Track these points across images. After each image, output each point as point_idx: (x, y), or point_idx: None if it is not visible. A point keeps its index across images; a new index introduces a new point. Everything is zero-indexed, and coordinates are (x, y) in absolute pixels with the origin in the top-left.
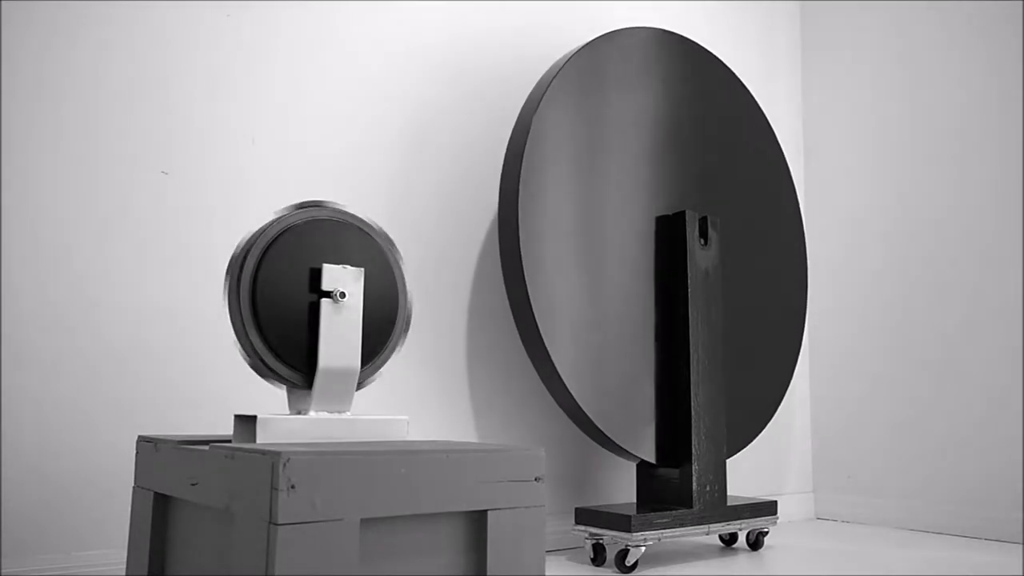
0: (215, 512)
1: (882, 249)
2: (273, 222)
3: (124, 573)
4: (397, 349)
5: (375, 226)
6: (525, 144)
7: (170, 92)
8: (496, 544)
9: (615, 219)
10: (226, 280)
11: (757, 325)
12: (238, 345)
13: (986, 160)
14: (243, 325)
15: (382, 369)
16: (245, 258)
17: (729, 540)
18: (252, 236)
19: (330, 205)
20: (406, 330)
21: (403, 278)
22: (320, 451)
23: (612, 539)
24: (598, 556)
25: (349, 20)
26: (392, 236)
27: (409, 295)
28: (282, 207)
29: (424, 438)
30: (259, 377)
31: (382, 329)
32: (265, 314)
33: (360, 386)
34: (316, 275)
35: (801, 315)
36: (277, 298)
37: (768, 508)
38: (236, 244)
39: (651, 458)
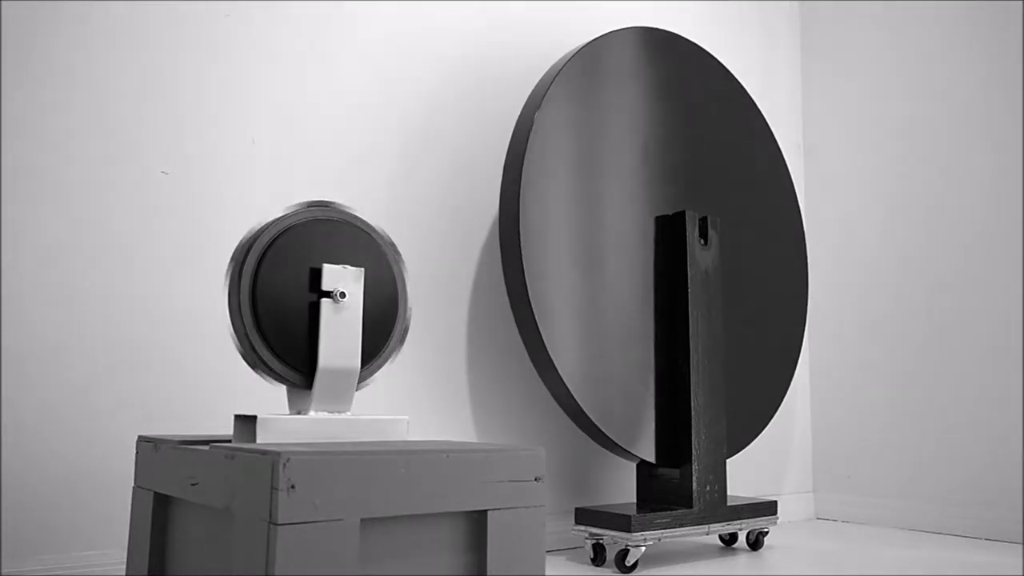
0: (215, 512)
1: (882, 248)
2: (273, 222)
3: (124, 573)
4: (397, 349)
5: (375, 226)
6: (526, 144)
7: (170, 92)
8: (496, 544)
9: (615, 219)
10: (226, 280)
11: (757, 325)
12: (238, 345)
13: (986, 159)
14: (243, 325)
15: (382, 369)
16: (245, 258)
17: (729, 540)
18: (252, 236)
19: (331, 205)
20: (406, 330)
21: (403, 278)
22: (320, 451)
23: (612, 539)
24: (598, 556)
25: (349, 21)
26: (392, 236)
27: (409, 295)
28: (283, 207)
29: (424, 438)
30: (259, 377)
31: (382, 329)
32: (265, 314)
33: (360, 386)
34: (316, 275)
35: (801, 315)
36: (277, 298)
37: (768, 508)
38: (236, 244)
39: (651, 458)
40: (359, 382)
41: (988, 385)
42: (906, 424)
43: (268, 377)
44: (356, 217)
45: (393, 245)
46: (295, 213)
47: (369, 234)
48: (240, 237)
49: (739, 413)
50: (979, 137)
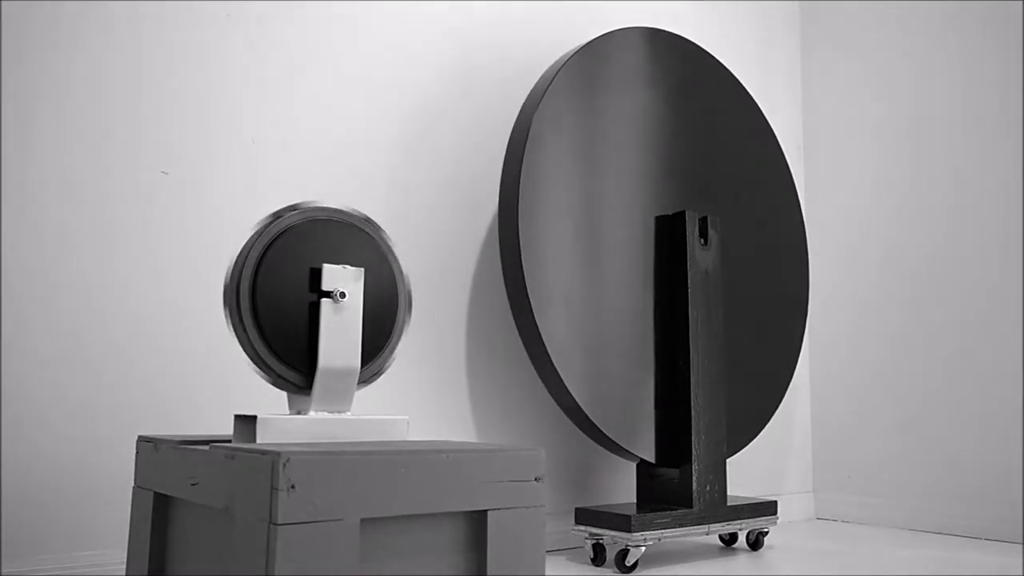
0: (215, 512)
1: (882, 248)
2: (273, 222)
3: (124, 573)
4: (397, 349)
5: (375, 225)
6: (525, 144)
7: (170, 92)
8: (496, 544)
9: (615, 219)
10: (226, 280)
11: (757, 325)
12: (238, 345)
13: (986, 157)
14: (243, 326)
15: (382, 369)
16: (245, 259)
17: (729, 540)
18: (252, 236)
19: (329, 205)
20: (406, 330)
21: (403, 278)
22: (320, 451)
23: (612, 539)
24: (598, 556)
25: (350, 20)
26: (392, 236)
27: (409, 295)
28: (282, 207)
29: (424, 438)
30: (260, 377)
31: (382, 329)
32: (265, 314)
33: (360, 386)
34: (316, 275)
35: (801, 315)
36: (277, 298)
37: (768, 508)
38: (236, 244)
39: (651, 458)
40: (370, 374)
41: (988, 385)
42: (906, 424)
43: (268, 377)
44: (356, 217)
45: (386, 235)
46: (295, 213)
47: (369, 234)
48: (240, 237)
49: (739, 413)
50: (979, 136)
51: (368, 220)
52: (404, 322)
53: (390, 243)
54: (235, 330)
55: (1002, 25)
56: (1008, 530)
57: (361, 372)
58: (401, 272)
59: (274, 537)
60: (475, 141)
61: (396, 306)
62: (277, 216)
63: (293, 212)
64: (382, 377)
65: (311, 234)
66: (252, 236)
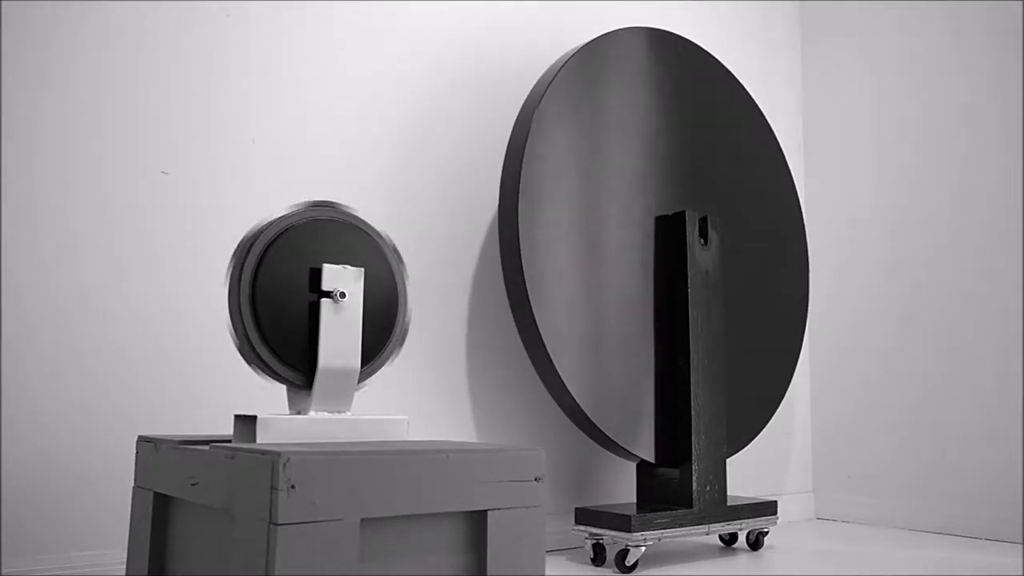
0: (215, 512)
1: (882, 248)
2: (273, 222)
3: (124, 573)
4: (397, 349)
5: (375, 226)
6: (525, 144)
7: (170, 92)
8: (496, 544)
9: (615, 219)
10: (226, 280)
11: (757, 325)
12: (238, 345)
13: (987, 157)
14: (243, 325)
15: (382, 369)
16: (245, 258)
17: (729, 540)
18: (252, 236)
19: (331, 205)
20: (406, 330)
21: (403, 278)
22: (320, 451)
23: (612, 539)
24: (598, 556)
25: (349, 20)
26: (392, 236)
27: (409, 295)
28: (283, 207)
29: (424, 438)
30: (259, 377)
31: (382, 329)
32: (265, 314)
33: (359, 386)
34: (316, 275)
35: (802, 314)
36: (277, 298)
37: (768, 508)
38: (236, 244)
39: (651, 458)
40: (369, 374)
41: (988, 385)
42: (906, 424)
43: (268, 377)
44: (356, 217)
45: (386, 236)
46: (295, 213)
47: (369, 234)
48: (240, 237)
49: (739, 413)
50: (980, 136)
51: (367, 220)
52: (404, 322)
53: (390, 243)
54: (235, 330)
55: (1003, 25)
56: (1008, 530)
57: (361, 372)
58: (401, 272)
59: (274, 537)
60: (476, 141)
61: (396, 306)
62: (277, 216)
63: (293, 212)
64: (383, 377)
65: (311, 234)
66: (252, 236)
